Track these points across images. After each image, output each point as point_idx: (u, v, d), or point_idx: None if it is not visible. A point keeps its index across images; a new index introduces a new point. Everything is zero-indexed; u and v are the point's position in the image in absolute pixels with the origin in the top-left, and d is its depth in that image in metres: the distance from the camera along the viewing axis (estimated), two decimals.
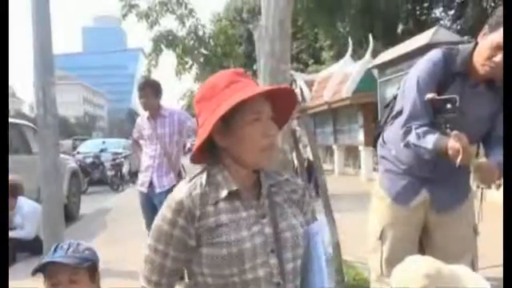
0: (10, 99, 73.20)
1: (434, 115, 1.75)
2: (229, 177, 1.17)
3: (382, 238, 2.11)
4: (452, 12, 19.05)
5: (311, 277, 1.15)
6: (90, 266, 1.70)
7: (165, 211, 1.16)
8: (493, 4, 15.81)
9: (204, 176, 1.18)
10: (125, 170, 13.65)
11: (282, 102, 1.22)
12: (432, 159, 1.88)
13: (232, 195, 1.15)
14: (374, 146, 2.33)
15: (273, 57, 3.25)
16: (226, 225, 1.11)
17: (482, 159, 1.77)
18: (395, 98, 2.20)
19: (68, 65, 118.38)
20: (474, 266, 2.00)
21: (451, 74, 1.88)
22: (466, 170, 2.15)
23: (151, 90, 3.87)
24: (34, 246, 4.82)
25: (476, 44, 1.86)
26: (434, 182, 2.04)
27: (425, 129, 1.86)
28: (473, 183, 2.10)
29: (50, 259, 1.64)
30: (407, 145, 1.92)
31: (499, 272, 1.34)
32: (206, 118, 1.16)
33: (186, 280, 1.22)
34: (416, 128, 1.88)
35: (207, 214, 1.13)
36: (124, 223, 6.75)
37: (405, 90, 2.01)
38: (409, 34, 13.75)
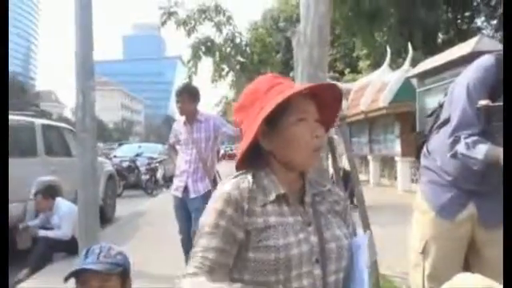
0: (53, 104, 76.23)
1: (486, 123, 1.65)
2: (276, 180, 1.13)
3: (424, 252, 2.01)
4: (494, 22, 18.51)
5: None
6: (122, 272, 1.66)
7: (211, 205, 1.11)
8: None
9: (249, 176, 1.14)
10: (159, 174, 13.84)
11: (326, 104, 1.18)
12: (480, 171, 1.77)
13: (279, 199, 1.11)
14: (417, 157, 2.23)
15: (311, 63, 3.21)
16: (275, 227, 1.06)
17: None
18: (441, 106, 2.10)
19: (108, 71, 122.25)
20: None
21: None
22: None
23: (188, 95, 3.88)
24: (70, 247, 4.91)
25: None
26: (482, 196, 1.92)
27: (475, 138, 1.76)
28: None
29: (82, 266, 1.61)
30: (455, 155, 1.82)
31: None
32: (250, 124, 1.13)
33: None
34: (465, 137, 1.77)
35: (255, 213, 1.08)
36: (157, 226, 6.82)
37: (453, 97, 1.90)
38: (449, 43, 13.43)
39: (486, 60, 1.83)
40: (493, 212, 1.92)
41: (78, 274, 1.62)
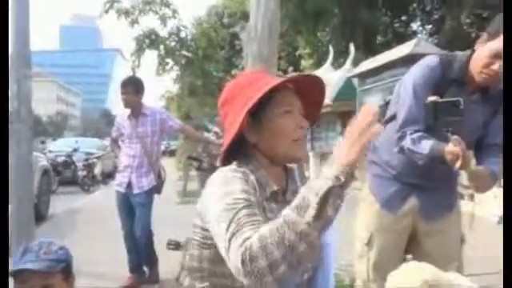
0: None
1: (435, 119, 1.73)
2: (266, 176, 1.12)
3: (369, 244, 2.08)
4: (429, 27, 19.53)
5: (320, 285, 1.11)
6: (64, 268, 1.56)
7: (224, 182, 1.03)
8: (468, 20, 16.30)
9: (247, 170, 1.10)
10: (97, 170, 13.35)
11: (309, 98, 1.19)
12: (424, 166, 1.85)
13: (272, 195, 1.11)
14: None
15: (260, 59, 3.21)
16: None
17: (478, 167, 1.75)
18: (387, 103, 2.17)
19: (43, 62, 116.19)
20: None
21: (447, 80, 1.86)
22: (454, 178, 2.14)
23: (134, 87, 3.76)
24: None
25: (473, 51, 1.85)
26: (424, 190, 2.01)
27: (420, 134, 1.84)
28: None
29: (20, 265, 1.47)
30: (402, 150, 1.89)
31: (473, 281, 1.33)
32: (235, 118, 1.11)
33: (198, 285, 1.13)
34: (411, 133, 1.85)
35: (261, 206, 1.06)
36: (95, 224, 6.58)
37: (399, 94, 1.98)
38: (387, 45, 13.99)
39: (430, 60, 1.92)
40: (433, 205, 2.03)
41: (16, 274, 1.49)
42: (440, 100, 1.72)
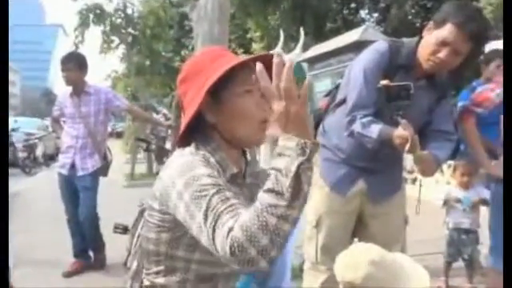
0: None
1: (386, 102, 1.76)
2: (226, 158, 1.09)
3: (317, 226, 2.11)
4: (376, 15, 20.03)
5: (276, 269, 1.11)
6: None
7: (187, 162, 1.00)
8: (413, 10, 16.86)
9: (206, 151, 1.07)
10: (39, 152, 12.76)
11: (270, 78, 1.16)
12: (372, 149, 1.89)
13: (232, 178, 1.08)
14: (314, 136, 2.32)
15: (211, 39, 3.15)
16: None
17: (423, 152, 1.81)
18: (337, 87, 2.20)
19: None
20: None
21: (395, 66, 1.91)
22: (400, 163, 2.22)
23: (76, 63, 3.57)
24: None
25: (420, 39, 1.90)
26: (371, 173, 2.06)
27: (370, 118, 1.87)
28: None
29: None
30: (351, 134, 1.92)
31: (416, 260, 1.40)
32: (194, 97, 1.06)
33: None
34: (361, 117, 1.88)
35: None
36: (35, 208, 6.31)
37: (350, 79, 2.00)
38: (336, 31, 14.22)
39: (380, 45, 1.95)
40: (380, 188, 2.09)
41: None
42: (392, 84, 1.75)
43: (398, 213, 2.16)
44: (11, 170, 11.24)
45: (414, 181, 7.34)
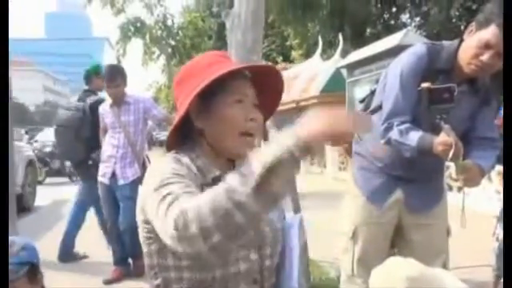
0: None
1: (428, 106, 1.68)
2: (208, 163, 1.06)
3: (354, 237, 2.04)
4: (418, 18, 19.55)
5: (284, 272, 1.07)
6: (29, 270, 1.44)
7: (157, 168, 1.01)
8: (457, 13, 16.33)
9: (186, 156, 1.05)
10: None
11: (267, 90, 1.12)
12: (410, 157, 1.81)
13: (214, 182, 1.03)
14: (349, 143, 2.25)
15: (244, 47, 3.15)
16: None
17: (466, 160, 1.70)
18: (372, 92, 2.13)
19: (28, 50, 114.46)
20: (446, 268, 1.96)
21: (435, 70, 1.81)
22: (441, 171, 2.11)
23: (122, 78, 3.67)
24: None
25: (461, 41, 1.80)
26: (409, 182, 1.98)
27: (407, 125, 1.79)
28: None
29: None
30: (388, 142, 1.84)
31: (463, 273, 1.31)
32: (184, 100, 1.05)
33: (154, 282, 1.08)
34: (398, 124, 1.80)
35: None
36: None
37: (385, 84, 1.93)
38: (376, 36, 13.98)
39: (418, 48, 1.86)
40: (419, 198, 1.99)
41: None
42: (434, 86, 1.67)
43: (440, 223, 2.05)
44: (59, 179, 11.73)
45: (460, 189, 7.06)
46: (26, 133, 17.53)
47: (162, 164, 1.01)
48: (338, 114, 0.81)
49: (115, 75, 3.67)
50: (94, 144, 3.90)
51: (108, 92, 3.68)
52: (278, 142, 0.77)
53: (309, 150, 0.77)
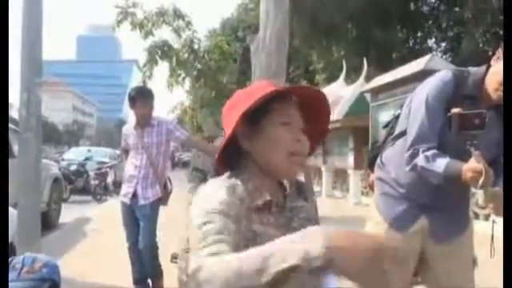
0: None
1: (458, 132, 1.65)
2: (259, 186, 1.06)
3: None
4: (444, 43, 19.43)
5: None
6: (49, 286, 1.45)
7: (206, 194, 1.00)
8: (484, 39, 16.15)
9: (239, 179, 1.05)
10: (109, 179, 13.40)
11: (314, 111, 1.13)
12: (435, 185, 1.77)
13: (264, 206, 1.04)
14: (371, 168, 2.23)
15: (268, 70, 3.18)
16: (261, 237, 0.99)
17: (496, 188, 1.65)
18: (396, 117, 2.10)
19: (59, 71, 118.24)
20: None
21: (461, 96, 1.78)
22: (467, 199, 2.05)
23: (152, 99, 3.74)
24: None
25: (489, 67, 1.77)
26: (434, 210, 1.92)
27: (434, 151, 1.75)
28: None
29: None
30: (414, 168, 1.80)
31: None
32: (231, 123, 1.07)
33: None
34: (424, 150, 1.76)
35: (245, 217, 0.99)
36: (104, 234, 6.55)
37: (410, 109, 1.91)
38: (402, 61, 13.91)
39: (444, 74, 1.84)
40: (443, 226, 1.94)
41: None
42: (464, 112, 1.64)
43: (465, 253, 1.99)
44: (84, 197, 11.93)
45: (487, 217, 6.84)
46: (60, 153, 17.99)
47: (214, 190, 1.00)
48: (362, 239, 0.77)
49: (146, 97, 3.73)
50: None
51: (136, 113, 3.74)
52: (301, 242, 0.75)
53: (328, 264, 0.73)
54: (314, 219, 1.17)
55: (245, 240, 0.97)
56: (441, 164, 1.70)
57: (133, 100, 3.73)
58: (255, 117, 1.06)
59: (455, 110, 1.66)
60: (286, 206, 1.11)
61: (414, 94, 1.95)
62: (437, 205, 1.91)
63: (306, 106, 1.11)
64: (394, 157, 1.99)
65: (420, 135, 1.80)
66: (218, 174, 1.12)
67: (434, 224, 1.93)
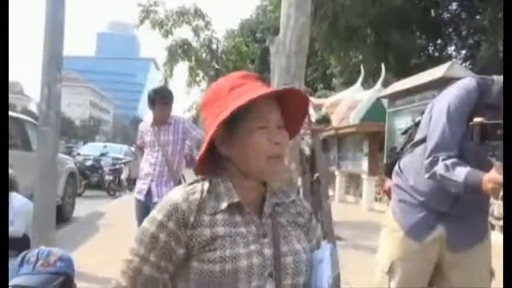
0: (18, 96, 73.75)
1: (479, 142, 1.62)
2: (232, 188, 1.06)
3: (390, 272, 1.96)
4: (464, 51, 19.19)
5: None
6: (64, 281, 1.46)
7: (155, 213, 1.05)
8: None
9: (206, 183, 1.07)
10: (123, 176, 13.52)
11: (292, 108, 1.12)
12: (455, 193, 1.74)
13: (232, 207, 1.04)
14: (388, 174, 2.20)
15: (287, 73, 3.17)
16: (222, 238, 1.00)
17: None
18: (416, 124, 2.08)
19: (78, 67, 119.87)
20: None
21: (484, 105, 1.75)
22: (485, 208, 2.02)
23: (170, 100, 3.77)
24: (21, 245, 4.65)
25: None
26: (452, 218, 1.89)
27: (454, 160, 1.72)
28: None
29: (15, 281, 1.39)
30: (433, 176, 1.78)
31: None
32: (209, 127, 1.07)
33: None
34: (444, 159, 1.74)
35: (202, 224, 1.02)
36: (117, 229, 6.61)
37: (431, 117, 1.88)
38: (420, 68, 13.77)
39: (467, 82, 1.81)
40: (461, 235, 1.90)
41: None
42: (487, 121, 1.61)
43: (482, 264, 1.95)
44: (98, 192, 12.06)
45: (502, 228, 6.72)
46: (68, 148, 18.21)
47: (168, 201, 1.06)
48: None
49: (166, 99, 3.74)
50: None
51: (156, 113, 3.76)
52: None
53: None
54: (306, 224, 1.15)
55: (201, 243, 1.00)
56: (461, 173, 1.67)
57: (152, 102, 3.74)
58: (232, 122, 1.04)
59: (477, 120, 1.63)
60: (264, 208, 1.08)
61: (435, 101, 1.92)
62: (455, 213, 1.88)
63: (282, 101, 1.10)
64: (412, 164, 1.96)
65: (440, 143, 1.77)
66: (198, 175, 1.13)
67: (451, 233, 1.90)
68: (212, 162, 1.10)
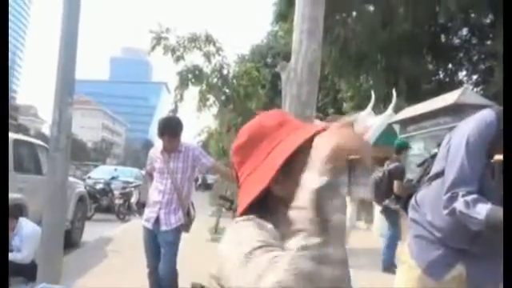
0: (31, 118, 74.84)
1: (500, 179, 1.55)
2: (287, 233, 0.98)
3: None
4: (475, 76, 19.10)
5: None
6: None
7: (242, 247, 0.90)
8: None
9: (268, 222, 0.96)
10: (133, 200, 13.47)
11: None
12: (475, 231, 1.66)
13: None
14: (404, 208, 2.13)
15: (299, 100, 3.14)
16: None
17: None
18: (432, 156, 2.01)
19: (92, 91, 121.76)
20: None
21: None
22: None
23: (180, 129, 3.73)
24: (28, 272, 4.60)
25: None
26: (472, 256, 1.81)
27: (475, 196, 1.65)
28: None
29: None
30: (452, 212, 1.71)
31: None
32: (257, 167, 0.98)
33: None
34: (464, 195, 1.67)
35: None
36: (125, 255, 6.53)
37: (449, 149, 1.82)
38: (431, 93, 13.71)
39: (487, 114, 1.75)
40: (482, 274, 1.81)
41: None
42: None
43: None
44: (108, 216, 12.00)
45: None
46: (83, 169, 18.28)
47: (245, 230, 0.92)
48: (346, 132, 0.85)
49: (174, 130, 3.71)
50: None
51: (165, 143, 3.73)
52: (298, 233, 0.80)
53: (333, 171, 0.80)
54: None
55: None
56: (482, 210, 1.60)
57: (161, 132, 3.72)
58: (288, 159, 0.96)
59: (497, 157, 1.56)
60: None
61: (452, 133, 1.86)
62: (475, 251, 1.80)
63: None
64: (429, 198, 1.89)
65: (459, 178, 1.71)
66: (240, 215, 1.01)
67: (472, 272, 1.81)
68: (259, 203, 0.99)
